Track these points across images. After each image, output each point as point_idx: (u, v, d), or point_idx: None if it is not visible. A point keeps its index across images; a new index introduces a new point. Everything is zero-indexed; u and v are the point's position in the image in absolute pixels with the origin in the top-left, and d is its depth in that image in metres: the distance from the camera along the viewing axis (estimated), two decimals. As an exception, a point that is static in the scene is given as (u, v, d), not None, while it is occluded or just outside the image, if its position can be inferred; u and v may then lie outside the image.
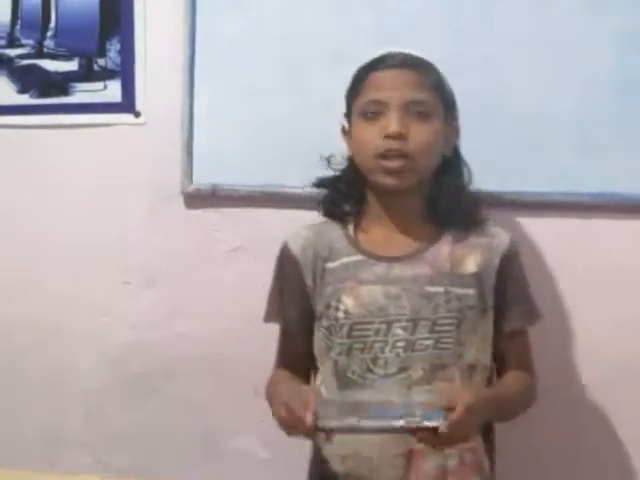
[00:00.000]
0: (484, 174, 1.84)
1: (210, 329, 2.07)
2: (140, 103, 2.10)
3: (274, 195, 2.01)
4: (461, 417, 1.36)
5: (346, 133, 1.68)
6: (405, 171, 1.57)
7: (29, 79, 2.18)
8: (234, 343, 2.05)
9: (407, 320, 1.57)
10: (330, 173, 1.75)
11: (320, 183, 1.75)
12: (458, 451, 1.57)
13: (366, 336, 1.59)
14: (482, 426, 1.58)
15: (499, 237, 1.66)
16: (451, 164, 1.66)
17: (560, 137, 1.89)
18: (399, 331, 1.57)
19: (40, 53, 2.17)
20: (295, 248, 1.67)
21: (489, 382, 1.67)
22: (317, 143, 1.84)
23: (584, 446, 1.97)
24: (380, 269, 1.60)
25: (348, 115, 1.67)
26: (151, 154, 2.09)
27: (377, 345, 1.58)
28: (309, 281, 1.65)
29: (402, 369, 1.57)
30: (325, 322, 1.63)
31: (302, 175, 1.87)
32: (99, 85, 2.13)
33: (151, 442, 2.15)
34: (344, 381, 1.60)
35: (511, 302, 1.65)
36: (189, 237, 2.09)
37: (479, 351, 1.61)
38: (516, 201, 1.91)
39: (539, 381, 1.72)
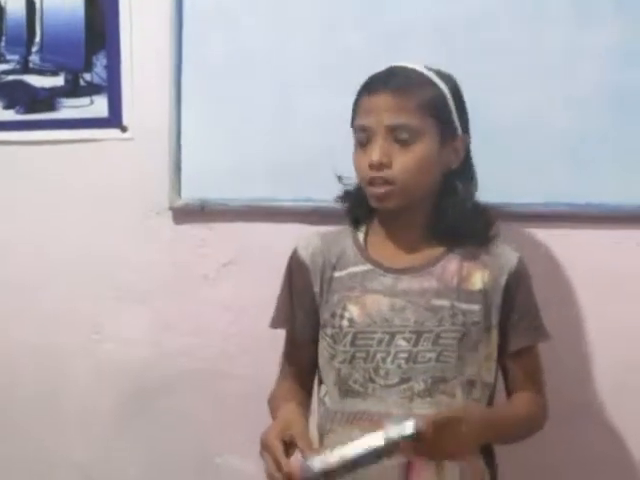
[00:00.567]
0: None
1: (202, 345, 2.07)
2: (127, 118, 2.10)
3: (263, 209, 2.00)
4: (429, 426, 1.34)
5: None
6: (390, 196, 1.56)
7: (15, 95, 2.17)
8: (226, 359, 2.04)
9: (410, 332, 1.56)
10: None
11: (342, 196, 1.73)
12: (457, 467, 1.55)
13: (369, 345, 1.58)
14: (482, 445, 1.58)
15: (507, 256, 1.65)
16: (458, 177, 1.63)
17: (549, 150, 1.90)
18: (402, 342, 1.57)
19: (25, 69, 2.16)
20: (305, 255, 1.67)
21: (491, 400, 1.66)
22: (305, 158, 1.84)
23: (589, 463, 1.95)
24: (388, 280, 1.60)
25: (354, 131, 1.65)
26: (139, 169, 2.09)
27: (379, 355, 1.57)
28: (317, 288, 1.64)
29: (403, 380, 1.56)
30: (330, 330, 1.62)
31: (291, 189, 1.87)
32: (85, 100, 2.12)
33: (142, 460, 2.15)
34: (345, 390, 1.59)
35: (517, 321, 1.64)
36: (178, 252, 2.08)
37: (481, 368, 1.60)
38: (510, 213, 1.92)
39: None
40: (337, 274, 1.64)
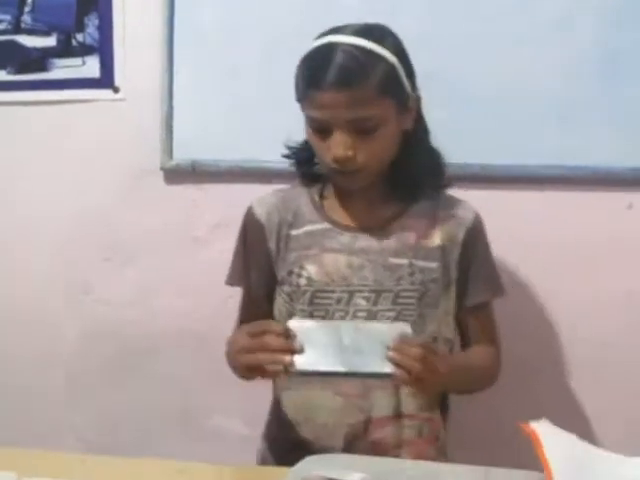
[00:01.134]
0: (466, 148, 1.87)
1: (191, 306, 2.08)
2: (119, 79, 2.09)
3: (254, 170, 2.01)
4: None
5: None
6: (357, 180, 1.56)
7: (6, 55, 2.16)
8: (215, 320, 2.04)
9: (369, 291, 1.56)
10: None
11: (289, 150, 1.71)
12: (417, 422, 1.59)
13: (327, 304, 1.58)
14: (440, 395, 1.62)
15: (464, 211, 1.65)
16: (413, 135, 1.61)
17: (538, 114, 1.90)
18: (361, 301, 1.57)
19: (17, 29, 2.15)
20: (260, 212, 1.66)
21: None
22: (297, 118, 1.82)
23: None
24: (345, 238, 1.60)
25: (298, 98, 1.59)
26: (130, 130, 2.09)
27: (338, 314, 1.57)
28: (272, 246, 1.64)
29: None
30: (287, 288, 1.62)
31: (282, 150, 1.85)
32: (77, 61, 2.11)
33: (132, 420, 2.17)
34: None
35: (475, 276, 1.65)
36: (169, 214, 2.09)
37: (441, 324, 1.61)
38: (496, 175, 1.94)
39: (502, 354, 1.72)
40: (294, 232, 1.63)
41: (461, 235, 1.62)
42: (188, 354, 2.10)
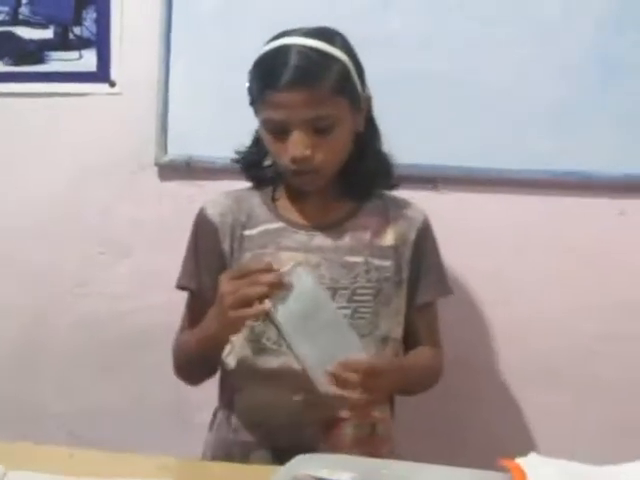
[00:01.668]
0: (457, 150, 1.88)
1: (184, 301, 2.07)
2: (115, 73, 2.10)
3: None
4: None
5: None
6: (314, 180, 1.57)
7: (4, 46, 2.16)
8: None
9: (326, 288, 1.56)
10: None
11: (238, 155, 1.71)
12: (370, 421, 1.60)
13: None
14: (389, 397, 1.63)
15: (414, 212, 1.69)
16: (365, 135, 1.63)
17: (534, 117, 1.91)
18: None
19: (15, 20, 2.15)
20: (213, 214, 1.65)
21: (397, 355, 1.68)
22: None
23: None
24: (301, 237, 1.61)
25: (252, 102, 1.61)
26: (126, 124, 2.09)
27: None
28: (226, 247, 1.63)
29: None
30: None
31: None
32: (74, 54, 2.11)
33: (124, 413, 2.17)
34: (259, 348, 1.59)
35: (425, 275, 1.67)
36: (164, 208, 2.09)
37: (393, 323, 1.63)
38: (488, 178, 1.95)
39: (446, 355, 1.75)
40: (248, 232, 1.63)
41: (412, 235, 1.65)
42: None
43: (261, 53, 1.56)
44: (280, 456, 1.51)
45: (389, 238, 1.64)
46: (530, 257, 1.98)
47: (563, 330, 1.99)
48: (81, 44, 2.11)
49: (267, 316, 1.40)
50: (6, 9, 2.15)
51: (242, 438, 1.61)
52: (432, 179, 1.97)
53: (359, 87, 1.57)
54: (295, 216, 1.64)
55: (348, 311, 1.57)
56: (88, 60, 2.10)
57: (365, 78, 1.60)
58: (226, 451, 1.63)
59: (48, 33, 2.13)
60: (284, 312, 1.39)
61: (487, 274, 1.99)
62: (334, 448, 1.55)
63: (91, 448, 1.46)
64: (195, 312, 1.68)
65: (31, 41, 2.14)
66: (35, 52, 2.13)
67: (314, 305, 1.41)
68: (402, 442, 1.70)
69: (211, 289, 1.62)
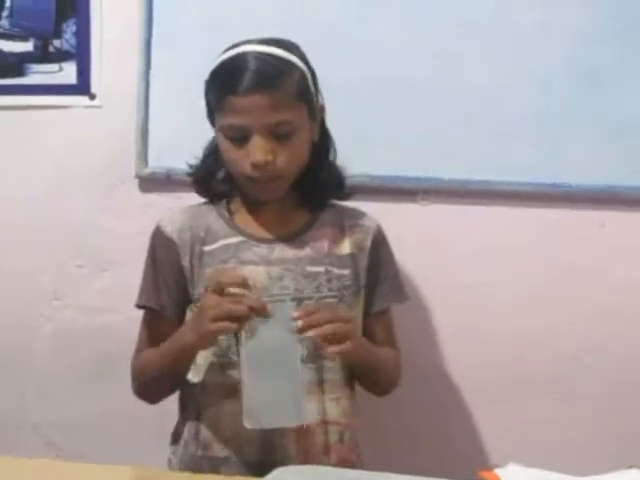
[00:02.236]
0: (439, 161, 1.88)
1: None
2: (95, 85, 2.09)
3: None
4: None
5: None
6: (275, 190, 1.58)
7: (-17, 59, 2.15)
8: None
9: (291, 299, 1.57)
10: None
11: (191, 169, 1.72)
12: (339, 428, 1.61)
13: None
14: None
15: (368, 220, 1.71)
16: (319, 146, 1.64)
17: (515, 128, 1.92)
18: None
19: (-5, 33, 2.14)
20: (170, 230, 1.64)
21: None
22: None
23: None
24: (262, 250, 1.61)
25: (210, 113, 1.63)
26: (106, 137, 2.09)
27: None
28: (186, 263, 1.62)
29: None
30: None
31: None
32: (54, 67, 2.11)
33: (105, 426, 2.15)
34: (226, 362, 1.58)
35: (382, 282, 1.70)
36: (144, 221, 2.05)
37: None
38: (468, 189, 1.95)
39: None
40: (207, 248, 1.62)
41: (368, 243, 1.67)
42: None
43: (217, 62, 1.58)
44: (252, 469, 1.52)
45: (346, 247, 1.65)
46: (511, 268, 1.98)
47: (544, 341, 2.00)
48: (61, 57, 2.10)
49: (236, 336, 1.44)
50: (-14, 22, 2.14)
51: (212, 453, 1.59)
52: (412, 191, 1.97)
53: (315, 95, 1.59)
54: (253, 229, 1.64)
55: None
56: (68, 73, 2.10)
57: (318, 85, 1.61)
58: (195, 467, 1.61)
59: (28, 46, 2.12)
60: (252, 340, 1.42)
61: (468, 286, 1.99)
62: (305, 457, 1.55)
63: (70, 460, 1.46)
64: (154, 330, 1.68)
65: (11, 54, 2.13)
66: (15, 65, 2.13)
67: (281, 345, 1.42)
68: (366, 450, 1.71)
69: (172, 306, 1.64)
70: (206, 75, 1.96)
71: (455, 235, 1.98)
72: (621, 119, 1.89)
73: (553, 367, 2.00)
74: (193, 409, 1.65)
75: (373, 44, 1.92)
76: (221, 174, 1.67)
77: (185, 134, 2.02)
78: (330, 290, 1.61)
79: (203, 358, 1.61)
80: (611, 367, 1.99)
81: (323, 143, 1.66)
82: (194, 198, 2.01)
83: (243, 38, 1.94)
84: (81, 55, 2.09)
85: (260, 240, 1.62)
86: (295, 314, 1.43)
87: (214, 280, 1.50)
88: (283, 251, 1.61)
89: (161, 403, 2.08)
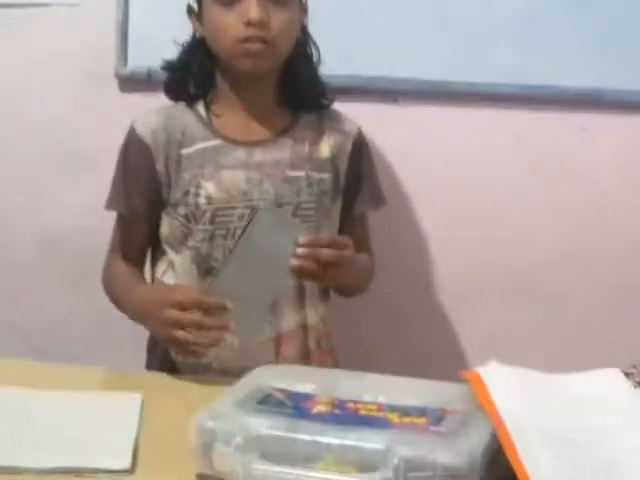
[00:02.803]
0: (421, 63, 1.86)
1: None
2: (74, -18, 2.04)
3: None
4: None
5: (194, 15, 1.64)
6: (266, 56, 1.55)
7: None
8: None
9: (271, 204, 1.57)
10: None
11: (169, 65, 1.69)
12: (317, 334, 1.64)
13: (229, 222, 1.58)
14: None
15: (349, 123, 1.70)
16: (301, 46, 1.63)
17: (498, 31, 1.90)
18: None
19: None
20: (144, 132, 1.62)
21: None
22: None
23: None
24: (240, 154, 1.60)
25: None
26: (85, 35, 2.05)
27: (240, 231, 1.56)
28: (160, 167, 1.61)
29: None
30: (183, 210, 1.60)
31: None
32: (32, -37, 2.06)
33: (90, 328, 2.17)
34: (205, 268, 1.60)
35: (361, 186, 1.70)
36: (124, 122, 2.03)
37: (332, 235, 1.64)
38: (448, 91, 1.95)
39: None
40: (185, 151, 1.60)
41: (349, 146, 1.67)
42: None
43: None
44: (231, 376, 1.53)
45: (326, 149, 1.64)
46: (492, 172, 1.98)
47: (526, 245, 2.00)
48: (39, -48, 2.05)
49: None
50: None
51: (191, 361, 1.58)
52: (393, 92, 1.95)
53: None
54: (232, 131, 1.61)
55: None
56: (46, -31, 2.05)
57: None
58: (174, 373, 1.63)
59: (5, -59, 2.07)
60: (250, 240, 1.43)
61: (448, 189, 1.99)
62: (284, 363, 1.57)
63: (49, 361, 1.48)
64: (126, 232, 1.68)
65: (-12, -50, 2.08)
66: (-8, -39, 2.08)
67: (278, 252, 1.42)
68: (343, 354, 1.75)
69: (143, 210, 1.63)
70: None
71: (436, 138, 1.97)
72: (607, 21, 1.87)
73: (536, 274, 2.02)
74: None
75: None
76: (199, 79, 1.65)
77: (166, 32, 1.96)
78: (310, 195, 1.61)
79: (182, 263, 1.62)
80: (594, 270, 2.00)
81: (305, 41, 1.65)
82: (175, 99, 2.01)
83: None
84: (59, -50, 2.04)
85: (239, 143, 1.61)
86: (301, 240, 1.41)
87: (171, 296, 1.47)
88: (263, 154, 1.60)
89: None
